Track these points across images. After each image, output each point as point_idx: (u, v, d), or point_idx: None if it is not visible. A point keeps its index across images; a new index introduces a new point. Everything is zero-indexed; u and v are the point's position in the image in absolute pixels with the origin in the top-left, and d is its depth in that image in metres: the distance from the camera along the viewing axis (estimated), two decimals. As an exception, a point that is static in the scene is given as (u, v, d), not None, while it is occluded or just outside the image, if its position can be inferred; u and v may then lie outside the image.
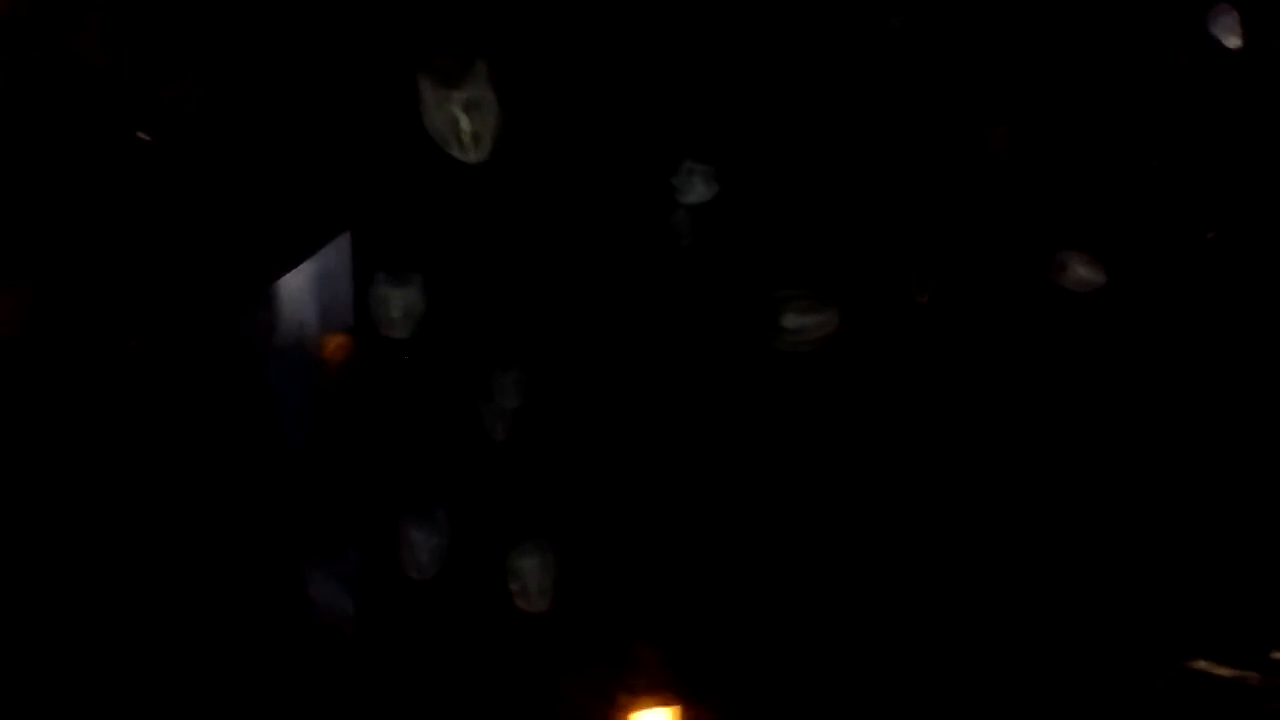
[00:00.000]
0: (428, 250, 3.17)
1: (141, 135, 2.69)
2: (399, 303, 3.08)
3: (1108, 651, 3.75)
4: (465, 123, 2.80)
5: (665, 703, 3.59)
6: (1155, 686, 3.66)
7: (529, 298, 3.26)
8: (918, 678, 3.75)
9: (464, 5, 2.93)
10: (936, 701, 3.75)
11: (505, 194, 3.09)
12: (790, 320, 3.16)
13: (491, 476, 3.39)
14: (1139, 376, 3.73)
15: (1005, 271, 3.44)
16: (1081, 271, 3.39)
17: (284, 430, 3.89)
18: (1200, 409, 3.74)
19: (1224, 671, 3.57)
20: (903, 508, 3.67)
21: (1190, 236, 3.56)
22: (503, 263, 3.22)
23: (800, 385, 3.34)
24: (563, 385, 3.34)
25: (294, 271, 3.73)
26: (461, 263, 3.20)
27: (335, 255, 3.76)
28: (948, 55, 3.33)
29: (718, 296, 3.25)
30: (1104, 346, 3.68)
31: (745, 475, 3.49)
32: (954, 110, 3.34)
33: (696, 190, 3.19)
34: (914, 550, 3.67)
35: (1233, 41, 3.37)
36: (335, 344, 3.93)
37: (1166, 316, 3.68)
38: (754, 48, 3.23)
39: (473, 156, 2.82)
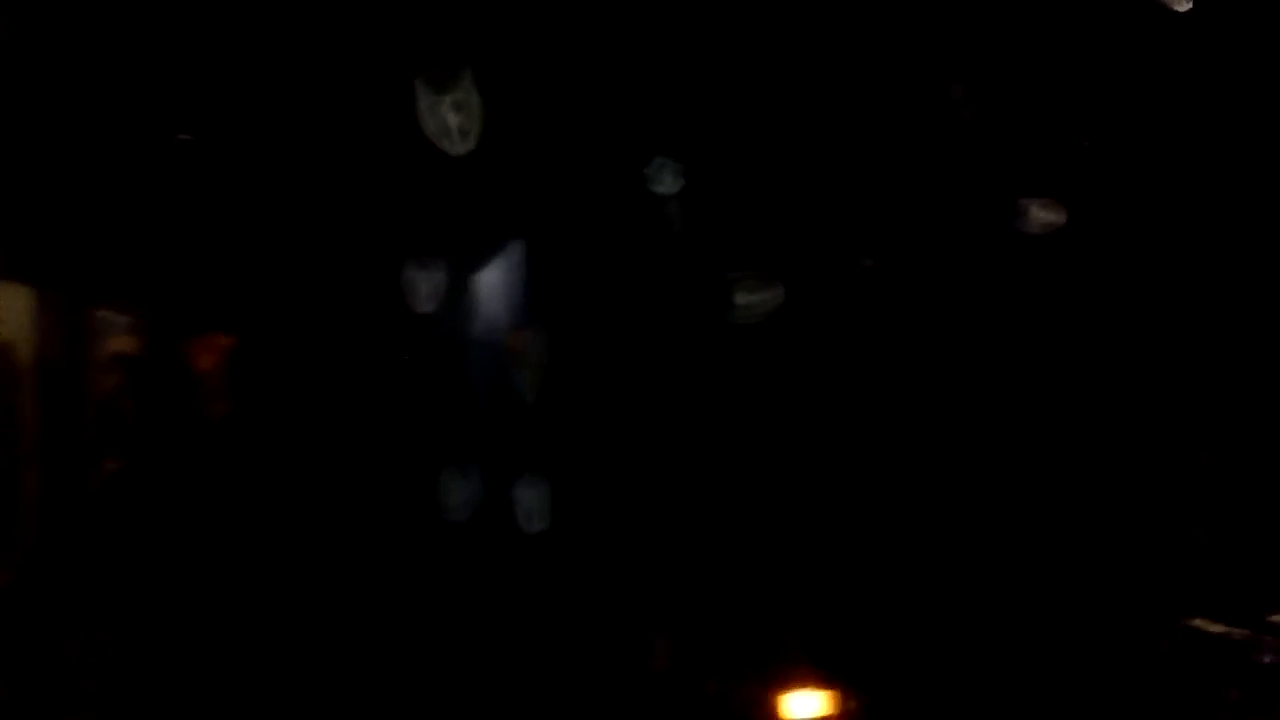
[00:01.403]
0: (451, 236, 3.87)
1: (182, 137, 3.53)
2: (426, 284, 3.83)
3: (1118, 610, 3.86)
4: (455, 120, 3.46)
5: (819, 685, 3.87)
6: (1160, 641, 3.74)
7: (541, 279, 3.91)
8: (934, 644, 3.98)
9: (453, 21, 3.59)
10: (964, 662, 3.98)
11: (507, 186, 3.75)
12: (740, 298, 3.61)
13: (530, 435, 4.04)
14: (1134, 346, 3.80)
15: (958, 228, 3.68)
16: (1042, 214, 3.56)
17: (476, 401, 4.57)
18: (1204, 384, 3.77)
19: (1215, 628, 3.64)
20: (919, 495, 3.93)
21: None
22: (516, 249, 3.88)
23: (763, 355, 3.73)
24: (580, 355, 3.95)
25: (483, 279, 4.49)
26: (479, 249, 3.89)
27: (515, 263, 4.46)
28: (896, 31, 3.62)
29: (687, 277, 3.74)
30: (1097, 313, 3.80)
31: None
32: (908, 73, 3.62)
33: (666, 182, 3.73)
34: (915, 527, 3.92)
35: (1182, 5, 3.43)
36: (519, 336, 4.60)
37: (1159, 280, 3.74)
38: (719, 52, 3.72)
39: (460, 149, 3.48)
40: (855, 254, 3.71)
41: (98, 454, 3.88)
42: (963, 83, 3.66)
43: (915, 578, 3.91)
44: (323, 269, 3.95)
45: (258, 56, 3.66)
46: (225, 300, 3.86)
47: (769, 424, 3.84)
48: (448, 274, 3.86)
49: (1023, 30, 3.62)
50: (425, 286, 3.85)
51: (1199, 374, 3.79)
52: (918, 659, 3.94)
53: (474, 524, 3.85)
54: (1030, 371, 3.85)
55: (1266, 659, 3.54)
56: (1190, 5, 3.52)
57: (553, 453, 3.92)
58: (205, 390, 3.91)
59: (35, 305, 3.60)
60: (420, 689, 3.72)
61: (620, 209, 3.82)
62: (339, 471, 3.91)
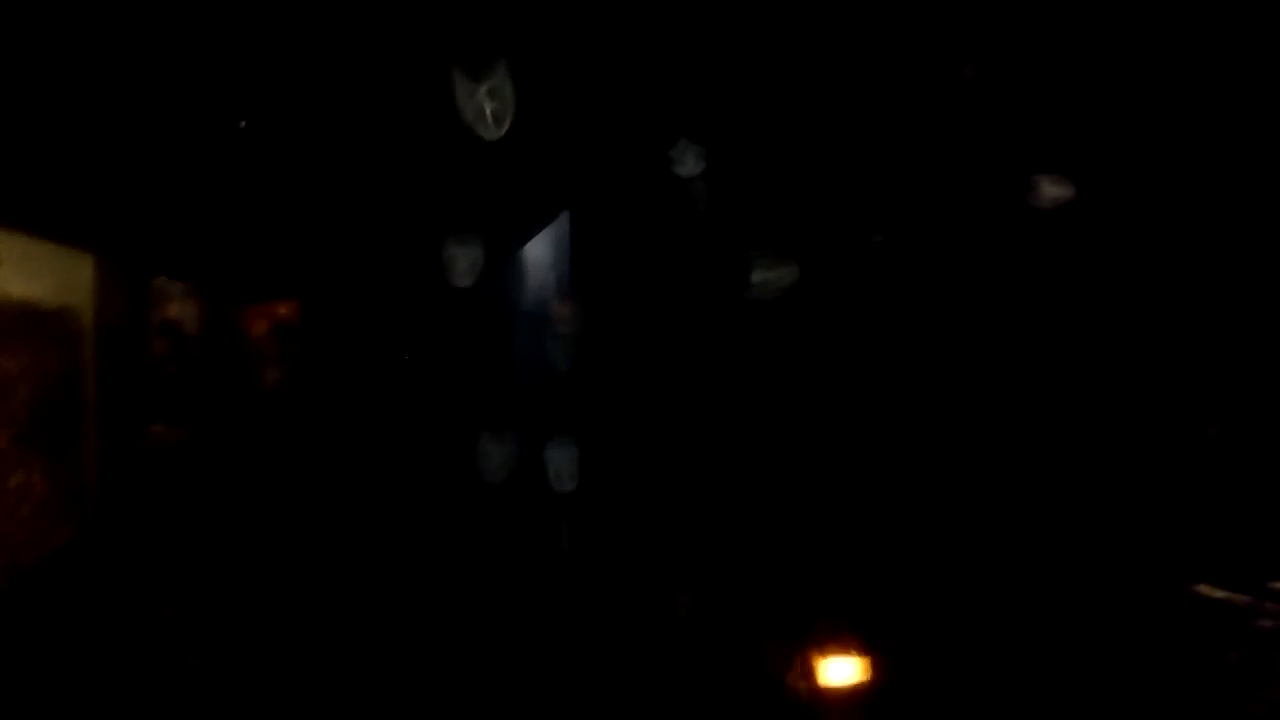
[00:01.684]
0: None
1: (241, 124, 3.75)
2: (464, 258, 4.04)
3: (1127, 575, 3.99)
4: (490, 107, 3.66)
5: (852, 652, 4.03)
6: (1165, 605, 3.86)
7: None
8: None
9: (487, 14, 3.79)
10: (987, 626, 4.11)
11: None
12: (757, 275, 3.80)
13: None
14: (1144, 320, 3.92)
15: (969, 204, 3.82)
16: (1052, 190, 3.70)
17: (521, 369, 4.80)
18: (1212, 357, 3.87)
19: (1218, 594, 3.74)
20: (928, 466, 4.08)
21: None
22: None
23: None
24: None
25: (519, 256, 4.68)
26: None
27: (561, 237, 4.66)
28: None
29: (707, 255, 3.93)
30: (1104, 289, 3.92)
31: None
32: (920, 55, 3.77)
33: (689, 164, 3.92)
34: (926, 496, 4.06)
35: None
36: (564, 307, 4.77)
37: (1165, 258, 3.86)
38: (737, 40, 3.90)
39: (495, 134, 3.68)
40: (867, 231, 3.88)
41: (149, 417, 4.09)
42: (974, 64, 3.82)
43: (936, 548, 4.05)
44: (370, 246, 4.16)
45: (311, 47, 3.88)
46: (279, 271, 4.08)
47: (793, 395, 4.02)
48: (485, 251, 4.07)
49: (1033, 11, 3.76)
50: (464, 262, 4.07)
51: (1207, 348, 3.90)
52: (939, 623, 4.08)
53: (510, 484, 4.05)
54: (1042, 345, 3.98)
55: (1267, 624, 3.66)
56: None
57: (584, 417, 4.11)
58: (257, 357, 4.13)
59: (97, 272, 3.85)
60: (460, 637, 3.90)
61: (645, 191, 4.01)
62: (384, 438, 4.10)
